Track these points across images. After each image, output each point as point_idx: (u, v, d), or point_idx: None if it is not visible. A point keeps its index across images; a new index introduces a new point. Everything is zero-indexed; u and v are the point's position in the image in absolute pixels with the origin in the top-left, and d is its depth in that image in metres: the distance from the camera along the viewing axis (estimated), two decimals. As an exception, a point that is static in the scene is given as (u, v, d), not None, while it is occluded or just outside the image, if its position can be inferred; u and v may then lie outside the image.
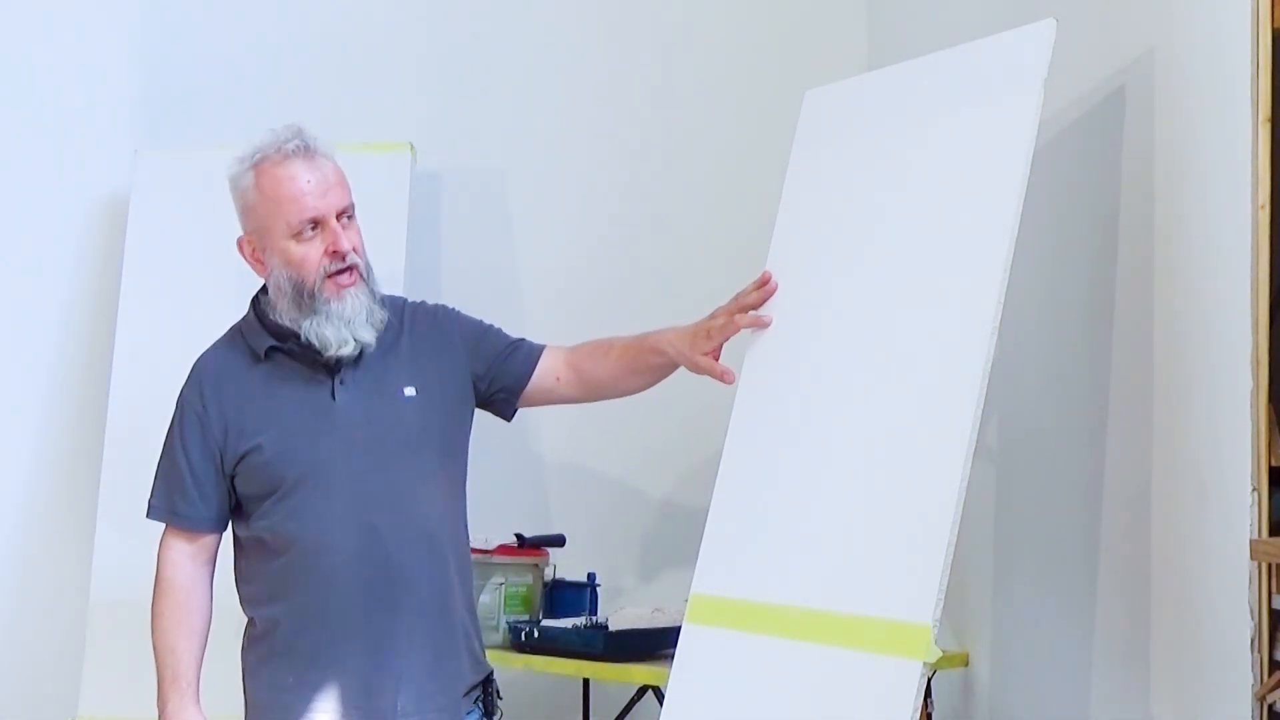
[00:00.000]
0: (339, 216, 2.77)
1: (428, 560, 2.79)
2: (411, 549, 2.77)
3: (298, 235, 2.75)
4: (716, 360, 2.92)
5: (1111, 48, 3.13)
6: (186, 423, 2.81)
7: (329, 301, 2.75)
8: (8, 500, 3.95)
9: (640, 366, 2.98)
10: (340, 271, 2.76)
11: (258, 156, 2.77)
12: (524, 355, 2.96)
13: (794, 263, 3.00)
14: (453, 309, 2.99)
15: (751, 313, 2.96)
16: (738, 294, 3.01)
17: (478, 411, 2.96)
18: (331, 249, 2.75)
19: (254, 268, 2.83)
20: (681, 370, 2.98)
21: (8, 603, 3.95)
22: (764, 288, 2.98)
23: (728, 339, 2.94)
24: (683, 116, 4.29)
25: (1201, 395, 2.84)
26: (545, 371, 2.95)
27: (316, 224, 2.75)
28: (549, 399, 3.01)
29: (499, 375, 2.94)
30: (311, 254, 2.75)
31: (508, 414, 3.01)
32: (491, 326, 2.99)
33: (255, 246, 2.81)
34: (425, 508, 2.80)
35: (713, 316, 2.96)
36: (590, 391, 3.01)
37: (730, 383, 2.96)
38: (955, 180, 2.78)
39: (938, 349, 2.68)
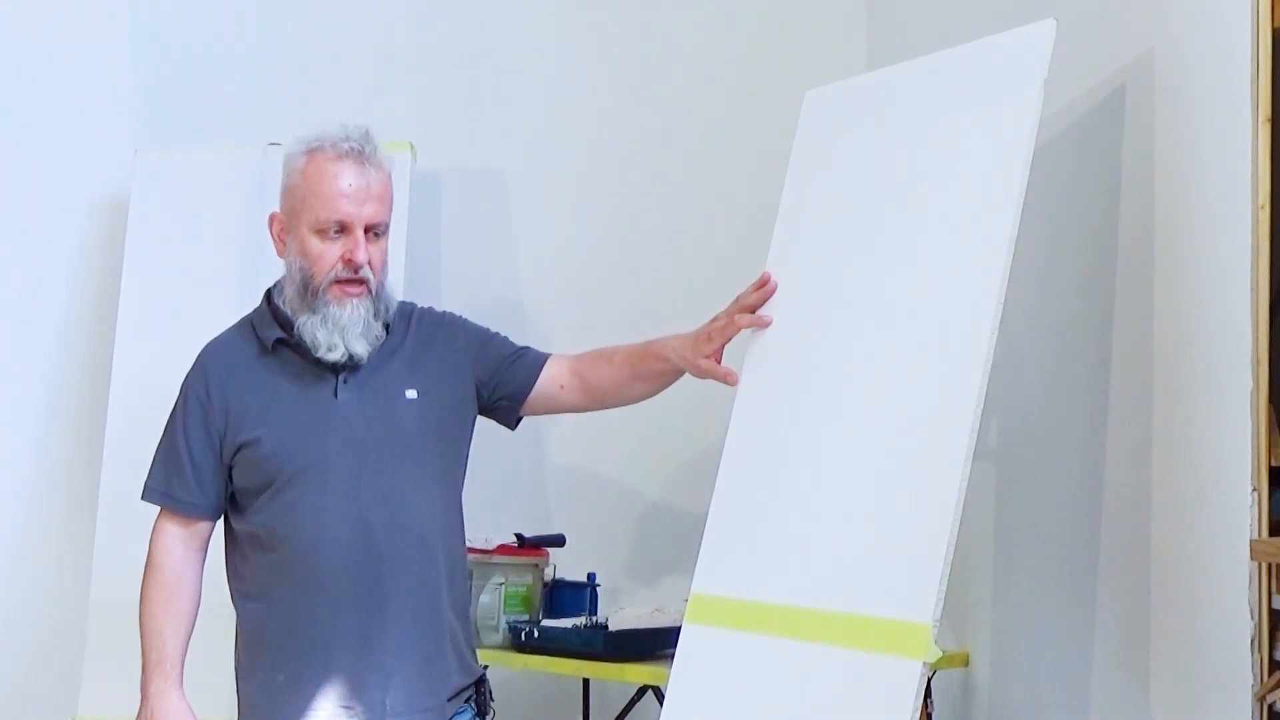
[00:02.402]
0: (368, 230, 2.78)
1: (418, 562, 2.79)
2: (403, 550, 2.77)
3: (321, 232, 2.76)
4: (718, 363, 2.92)
5: (1111, 48, 3.13)
6: (189, 408, 2.82)
7: (329, 305, 2.76)
8: (8, 500, 3.95)
9: (643, 373, 2.99)
10: (349, 281, 2.77)
11: (315, 144, 2.78)
12: (528, 363, 2.96)
13: (794, 263, 3.00)
14: (460, 316, 3.00)
15: (752, 314, 2.97)
16: (738, 295, 3.01)
17: (479, 415, 2.96)
18: (347, 256, 2.76)
19: (275, 246, 2.84)
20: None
21: (8, 603, 3.95)
22: (764, 288, 2.98)
23: (729, 340, 2.94)
24: (683, 117, 4.29)
25: (1201, 395, 2.84)
26: (549, 379, 2.96)
27: (343, 228, 2.76)
28: (553, 407, 3.02)
29: (502, 382, 2.94)
30: (328, 254, 2.76)
31: (511, 422, 3.01)
32: (497, 334, 2.99)
33: (283, 226, 2.82)
34: (419, 510, 2.80)
35: (713, 320, 2.96)
36: (594, 399, 3.01)
37: (734, 384, 2.96)
38: (955, 180, 2.77)
39: (938, 349, 2.68)
